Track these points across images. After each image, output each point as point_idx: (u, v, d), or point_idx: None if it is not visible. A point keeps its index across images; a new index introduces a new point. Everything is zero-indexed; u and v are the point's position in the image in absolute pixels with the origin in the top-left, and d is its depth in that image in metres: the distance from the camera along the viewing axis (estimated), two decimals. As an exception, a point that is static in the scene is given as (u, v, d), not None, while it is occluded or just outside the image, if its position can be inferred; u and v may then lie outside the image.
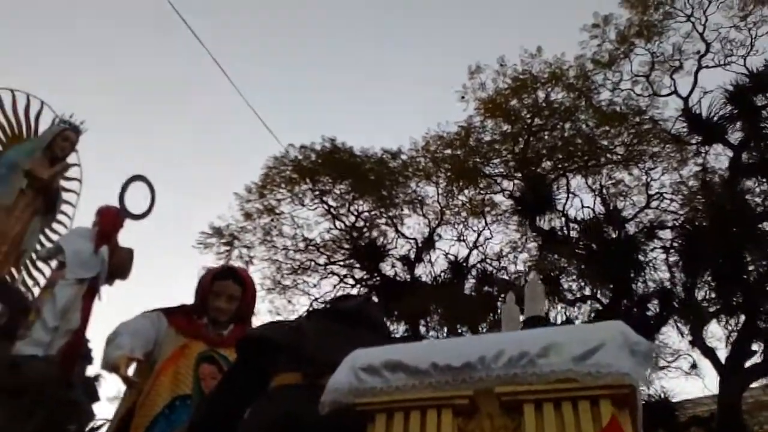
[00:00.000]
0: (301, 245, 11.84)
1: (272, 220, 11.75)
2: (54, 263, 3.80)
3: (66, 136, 4.49)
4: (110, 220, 3.82)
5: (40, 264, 4.20)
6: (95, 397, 3.05)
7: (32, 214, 4.17)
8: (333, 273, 11.90)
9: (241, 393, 2.04)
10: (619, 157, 10.71)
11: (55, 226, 4.42)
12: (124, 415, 2.73)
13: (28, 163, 4.21)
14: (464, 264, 11.61)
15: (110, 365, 2.58)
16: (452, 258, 11.59)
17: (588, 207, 10.76)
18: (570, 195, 10.84)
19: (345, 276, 11.91)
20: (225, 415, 2.03)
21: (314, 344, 1.99)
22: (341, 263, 11.88)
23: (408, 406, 1.57)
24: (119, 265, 3.73)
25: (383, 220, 11.75)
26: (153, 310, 2.98)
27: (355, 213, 11.73)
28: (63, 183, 4.58)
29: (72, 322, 3.33)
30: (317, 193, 11.58)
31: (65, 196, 4.55)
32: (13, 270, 4.10)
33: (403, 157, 11.60)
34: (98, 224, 3.80)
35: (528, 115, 10.97)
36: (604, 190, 10.85)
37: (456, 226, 11.82)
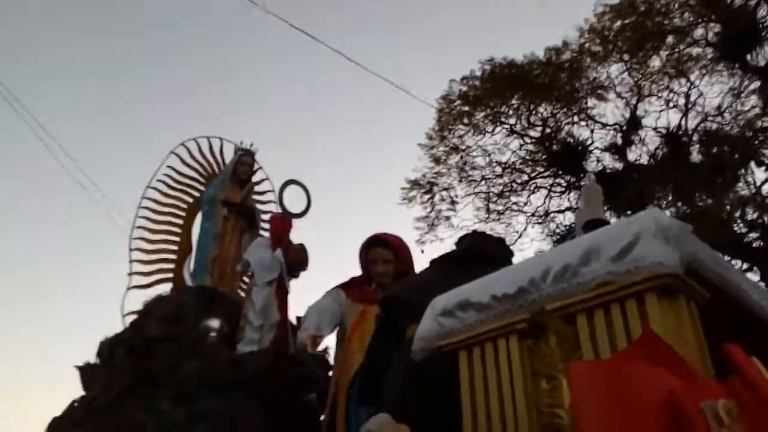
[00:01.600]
0: (498, 170, 11.91)
1: (461, 156, 11.97)
2: (248, 275, 4.62)
3: (243, 161, 5.36)
4: (277, 224, 4.51)
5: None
6: (328, 366, 3.69)
7: (240, 234, 5.11)
8: (539, 186, 11.81)
9: (386, 344, 2.33)
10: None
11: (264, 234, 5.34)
12: (335, 380, 3.31)
13: (222, 194, 5.15)
14: (679, 132, 10.51)
15: (301, 344, 3.16)
16: (663, 130, 10.61)
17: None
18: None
19: (552, 185, 11.72)
20: (380, 362, 2.33)
21: (429, 295, 2.15)
22: (544, 175, 11.69)
23: (481, 340, 1.73)
24: (295, 259, 4.37)
25: (571, 119, 11.20)
26: (333, 288, 3.50)
27: (539, 122, 11.38)
28: (257, 198, 5.50)
29: (272, 317, 4.08)
30: (492, 117, 11.48)
31: (262, 208, 5.47)
32: (240, 287, 5.12)
33: (572, 47, 10.85)
34: (270, 230, 4.53)
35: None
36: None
37: (659, 96, 10.73)
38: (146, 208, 5.30)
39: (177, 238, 5.31)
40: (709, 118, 10.15)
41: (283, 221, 4.54)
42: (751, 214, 9.31)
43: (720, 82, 9.98)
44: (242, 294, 4.94)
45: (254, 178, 5.55)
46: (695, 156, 10.22)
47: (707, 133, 10.08)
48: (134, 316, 4.50)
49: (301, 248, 4.42)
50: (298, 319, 3.86)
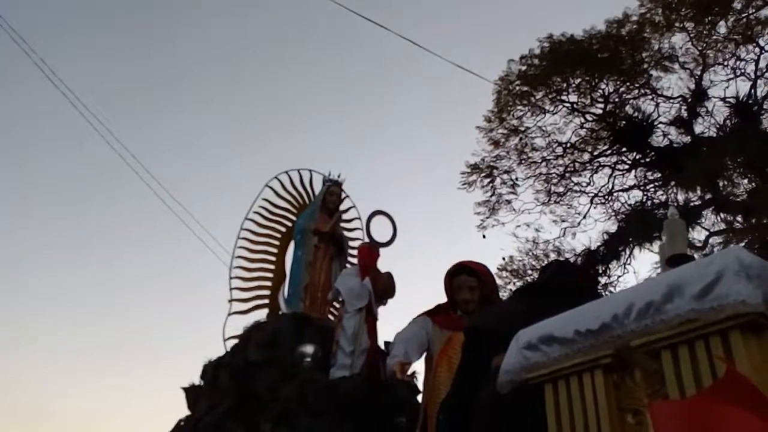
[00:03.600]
0: (559, 150, 11.71)
1: (520, 138, 11.83)
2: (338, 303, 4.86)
3: (332, 191, 5.72)
4: (366, 253, 4.76)
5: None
6: (417, 391, 3.83)
7: (330, 262, 5.44)
8: (602, 165, 11.54)
9: (472, 372, 2.43)
10: None
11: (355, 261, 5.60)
12: (424, 405, 3.45)
13: (313, 224, 5.49)
14: (749, 101, 10.01)
15: (390, 371, 3.32)
16: (732, 100, 10.12)
17: None
18: None
19: (616, 163, 11.43)
20: (467, 390, 2.44)
21: (512, 326, 2.18)
22: (606, 153, 11.41)
23: (566, 373, 1.80)
24: (383, 287, 4.60)
25: (634, 93, 10.86)
26: (419, 315, 3.64)
27: (600, 98, 11.10)
28: (344, 225, 5.79)
29: (363, 343, 4.32)
30: (552, 96, 11.28)
31: (349, 235, 5.77)
32: (330, 312, 5.41)
33: (633, 18, 10.50)
34: (359, 260, 4.76)
35: None
36: None
37: (725, 64, 10.25)
38: (244, 238, 5.72)
39: (272, 266, 5.73)
40: (781, 83, 9.60)
41: (370, 251, 4.77)
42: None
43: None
44: (333, 319, 5.20)
45: (341, 207, 5.87)
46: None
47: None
48: (235, 341, 4.83)
49: (389, 277, 4.64)
50: (386, 344, 4.04)
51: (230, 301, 5.48)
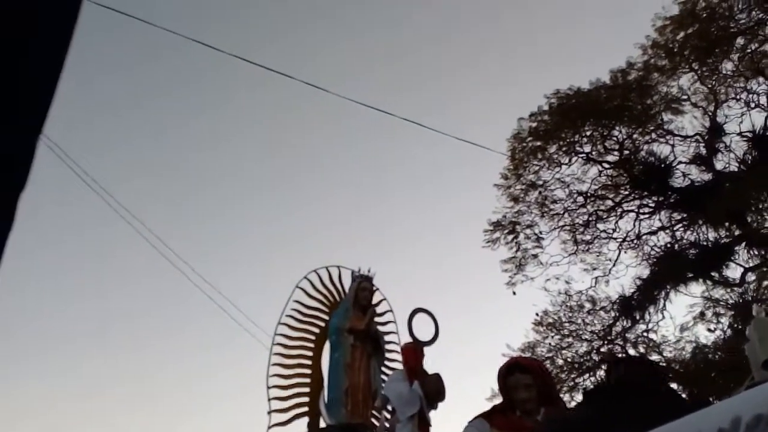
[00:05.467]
0: (580, 200, 11.67)
1: (539, 192, 11.80)
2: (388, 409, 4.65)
3: (363, 287, 5.52)
4: (411, 355, 4.53)
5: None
6: None
7: (368, 361, 5.20)
8: (626, 210, 11.45)
9: None
10: None
11: (391, 357, 5.44)
12: None
13: (347, 323, 5.29)
14: (765, 132, 9.98)
15: None
16: (749, 133, 10.10)
17: None
18: None
19: (639, 207, 11.34)
20: None
21: None
22: (629, 199, 11.34)
23: None
24: (433, 391, 4.36)
25: (648, 137, 10.86)
26: (475, 418, 3.45)
27: (615, 146, 11.10)
28: (378, 320, 5.61)
29: None
30: (566, 148, 11.29)
31: (383, 329, 5.57)
32: (373, 415, 5.18)
33: (638, 65, 10.58)
34: (404, 362, 4.55)
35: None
36: None
37: (738, 99, 10.28)
38: (279, 344, 5.51)
39: (309, 371, 5.49)
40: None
41: (415, 351, 4.57)
42: None
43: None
44: (377, 424, 4.98)
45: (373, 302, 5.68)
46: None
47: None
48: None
49: (438, 378, 4.42)
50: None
51: (269, 412, 5.26)
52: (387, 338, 5.49)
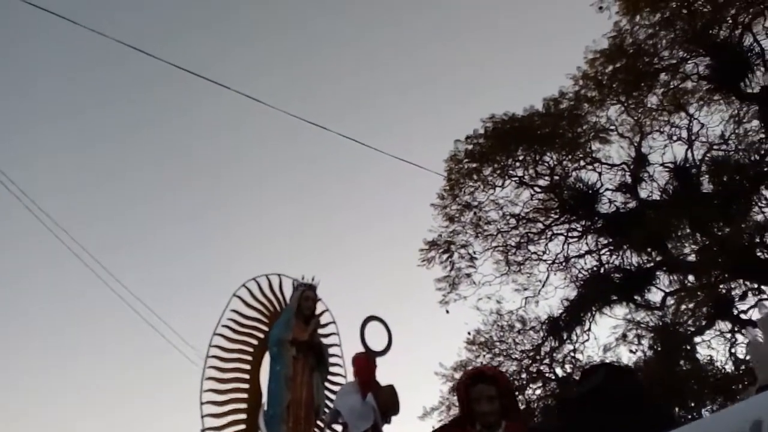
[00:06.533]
0: (513, 222, 11.98)
1: (474, 213, 12.03)
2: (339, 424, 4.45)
3: (306, 296, 5.27)
4: (363, 366, 4.36)
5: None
6: None
7: (310, 374, 4.97)
8: (555, 234, 11.85)
9: None
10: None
11: (335, 371, 5.22)
12: None
13: (289, 334, 5.04)
14: (686, 164, 10.66)
15: None
16: (671, 164, 10.75)
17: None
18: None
19: (568, 231, 11.77)
20: None
21: None
22: (558, 222, 11.75)
23: None
24: (387, 403, 4.22)
25: (577, 165, 11.35)
26: None
27: (546, 171, 11.52)
28: (321, 332, 5.38)
29: None
30: (500, 171, 11.60)
31: (326, 341, 5.34)
32: (316, 429, 4.95)
33: (569, 95, 11.08)
34: (356, 374, 4.37)
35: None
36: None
37: (661, 131, 10.95)
38: (214, 356, 5.18)
39: (247, 385, 5.19)
40: (714, 147, 10.33)
41: (368, 362, 4.40)
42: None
43: (719, 110, 10.22)
44: None
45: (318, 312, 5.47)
46: (706, 186, 10.36)
47: (714, 162, 10.24)
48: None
49: (392, 390, 4.28)
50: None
51: (203, 431, 4.93)
52: (330, 351, 5.27)
